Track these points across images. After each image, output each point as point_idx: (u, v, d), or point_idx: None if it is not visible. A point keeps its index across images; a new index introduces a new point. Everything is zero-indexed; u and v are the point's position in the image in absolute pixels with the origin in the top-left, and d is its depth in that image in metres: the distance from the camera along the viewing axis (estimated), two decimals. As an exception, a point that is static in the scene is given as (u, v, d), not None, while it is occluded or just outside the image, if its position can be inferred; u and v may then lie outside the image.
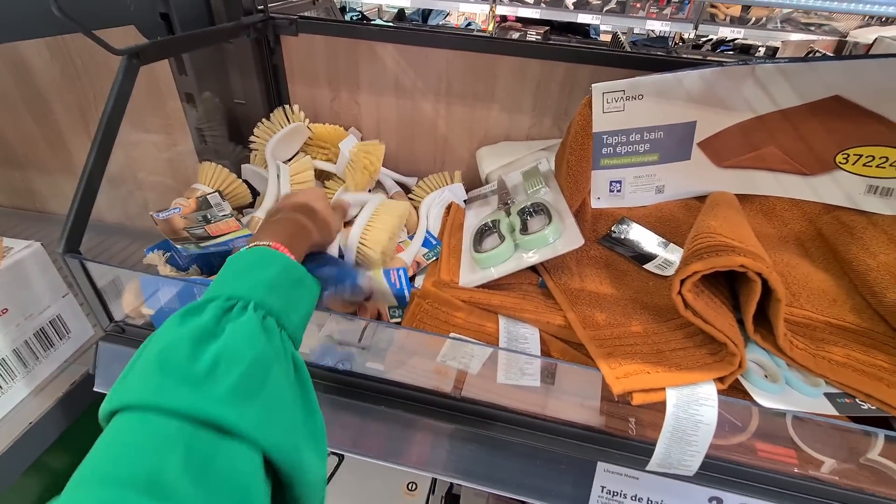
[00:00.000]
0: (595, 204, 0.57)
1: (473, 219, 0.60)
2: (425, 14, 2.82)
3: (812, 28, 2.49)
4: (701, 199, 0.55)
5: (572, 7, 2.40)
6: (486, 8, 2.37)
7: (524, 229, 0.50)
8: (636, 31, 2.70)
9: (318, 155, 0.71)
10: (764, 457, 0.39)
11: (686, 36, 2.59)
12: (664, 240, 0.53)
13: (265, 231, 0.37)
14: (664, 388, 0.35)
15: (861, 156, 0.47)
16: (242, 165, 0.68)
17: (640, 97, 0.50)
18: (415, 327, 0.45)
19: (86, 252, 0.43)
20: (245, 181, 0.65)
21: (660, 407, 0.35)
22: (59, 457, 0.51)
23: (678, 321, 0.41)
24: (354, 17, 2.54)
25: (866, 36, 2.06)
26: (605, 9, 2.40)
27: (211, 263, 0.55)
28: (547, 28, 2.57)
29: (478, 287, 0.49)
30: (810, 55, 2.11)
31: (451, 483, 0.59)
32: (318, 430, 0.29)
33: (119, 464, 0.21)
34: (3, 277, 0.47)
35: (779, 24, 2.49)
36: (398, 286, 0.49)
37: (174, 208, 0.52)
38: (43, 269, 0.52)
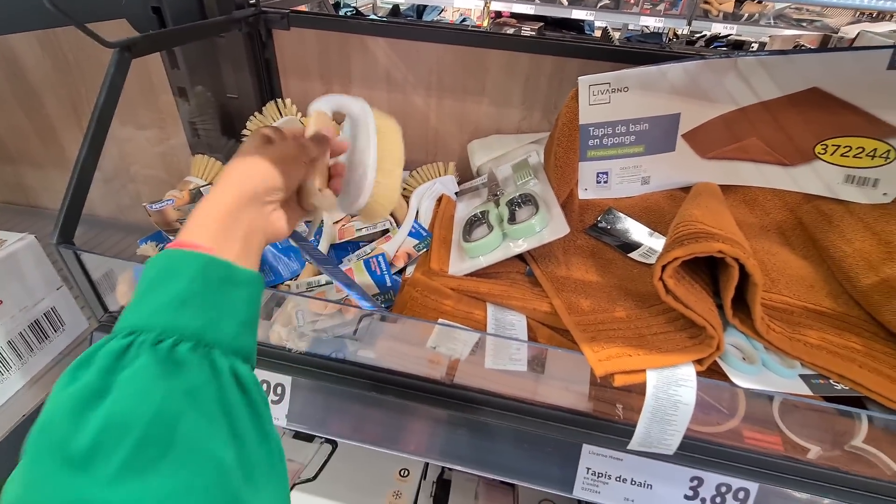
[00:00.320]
0: (582, 195, 0.58)
1: (464, 210, 0.61)
2: (420, 10, 2.82)
3: (804, 24, 2.51)
4: (686, 189, 0.56)
5: (566, 3, 2.41)
6: (480, 3, 2.37)
7: (512, 219, 0.51)
8: (631, 27, 2.71)
9: (311, 148, 0.71)
10: (751, 444, 0.40)
11: (680, 32, 2.60)
12: (649, 229, 0.54)
13: (188, 222, 0.29)
14: (644, 370, 0.36)
15: (839, 146, 0.48)
16: (235, 159, 0.68)
17: (626, 90, 0.51)
18: (405, 315, 0.46)
19: (79, 246, 0.44)
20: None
21: (643, 390, 0.36)
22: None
23: (660, 307, 0.42)
24: (349, 13, 2.53)
25: (853, 31, 2.08)
26: (599, 5, 2.41)
27: (204, 255, 0.55)
28: (541, 24, 2.57)
29: (467, 276, 0.50)
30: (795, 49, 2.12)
31: (443, 469, 0.60)
32: (274, 456, 0.25)
33: None
34: (-3, 269, 0.48)
35: (771, 21, 2.51)
36: (378, 273, 0.50)
37: (167, 200, 0.53)
38: (37, 261, 0.53)
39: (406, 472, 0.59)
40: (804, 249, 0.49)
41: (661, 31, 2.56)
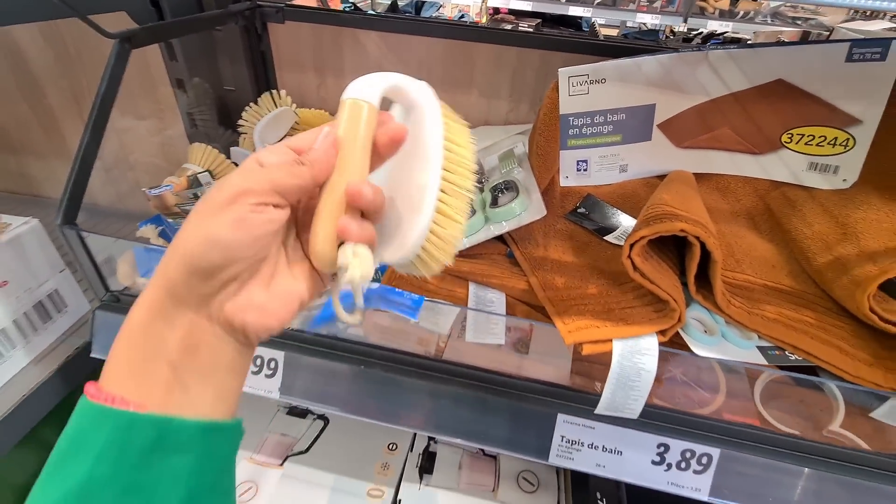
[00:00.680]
0: (563, 182, 0.60)
1: (451, 198, 0.63)
2: (418, 5, 2.83)
3: (799, 22, 2.53)
4: (662, 177, 0.59)
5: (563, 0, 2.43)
6: (478, 0, 2.39)
7: (494, 203, 0.53)
8: (629, 24, 2.72)
9: (305, 139, 0.73)
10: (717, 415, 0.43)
11: (676, 29, 2.62)
12: (626, 215, 0.56)
13: (112, 347, 0.20)
14: (611, 340, 0.39)
15: (803, 135, 0.51)
16: (231, 148, 0.71)
17: (603, 81, 0.53)
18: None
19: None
20: (234, 163, 0.68)
21: (610, 360, 0.39)
22: (55, 430, 0.55)
23: (630, 284, 0.44)
24: (346, 8, 2.55)
25: (841, 28, 2.10)
26: (596, 1, 2.43)
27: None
28: (539, 21, 2.59)
29: (451, 258, 0.53)
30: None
31: (429, 442, 0.63)
32: None
33: None
34: (2, 251, 0.50)
35: (768, 19, 2.53)
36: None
37: (166, 185, 0.55)
38: (41, 244, 0.55)
39: (394, 446, 0.62)
40: (771, 233, 0.52)
41: (657, 28, 2.57)
